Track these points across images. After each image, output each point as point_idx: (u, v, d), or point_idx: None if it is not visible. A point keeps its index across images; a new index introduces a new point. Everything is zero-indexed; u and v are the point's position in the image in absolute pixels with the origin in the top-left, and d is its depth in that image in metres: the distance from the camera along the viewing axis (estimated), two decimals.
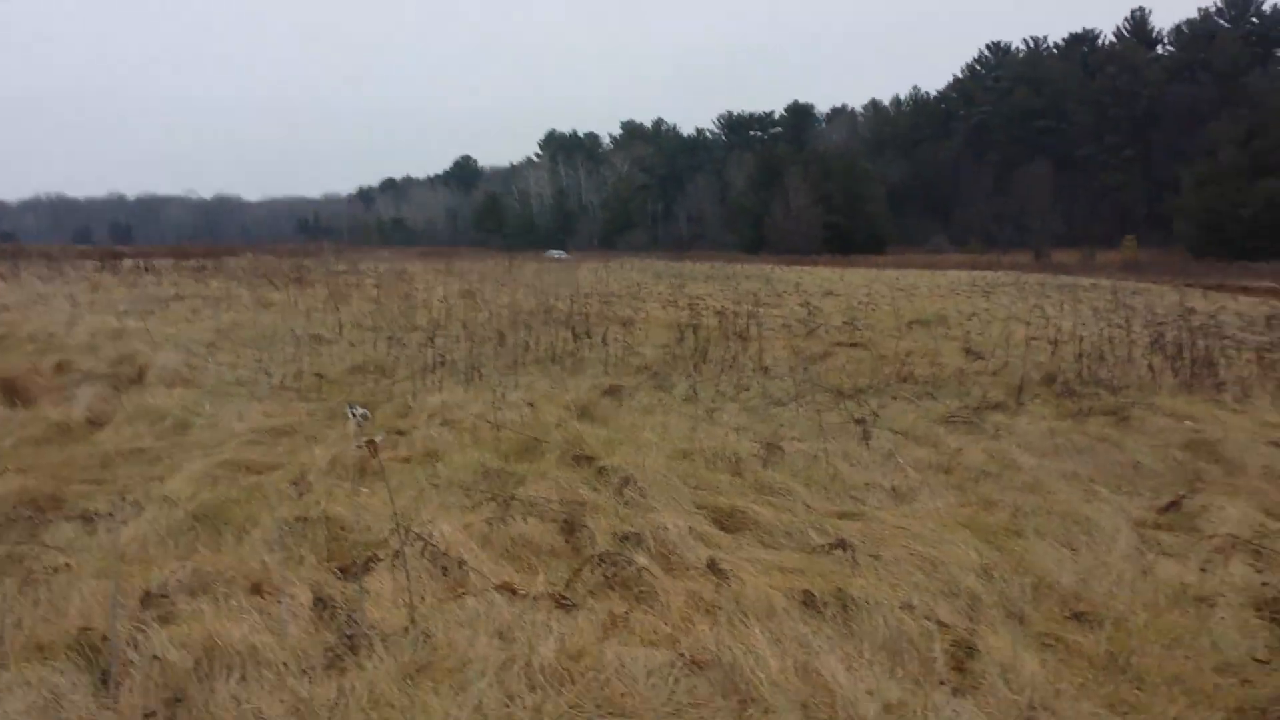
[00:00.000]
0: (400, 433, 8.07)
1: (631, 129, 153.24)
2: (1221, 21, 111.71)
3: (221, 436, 7.95)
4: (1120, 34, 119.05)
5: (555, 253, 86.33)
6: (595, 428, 8.43)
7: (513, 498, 6.03)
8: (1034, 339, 15.56)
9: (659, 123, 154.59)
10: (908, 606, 4.82)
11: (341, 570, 4.90)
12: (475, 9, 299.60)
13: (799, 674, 4.11)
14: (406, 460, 7.11)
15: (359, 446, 4.45)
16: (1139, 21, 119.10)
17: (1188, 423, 10.16)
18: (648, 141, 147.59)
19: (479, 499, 6.20)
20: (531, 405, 9.07)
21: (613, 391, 10.21)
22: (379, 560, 4.91)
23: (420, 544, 4.82)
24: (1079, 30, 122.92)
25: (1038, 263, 73.57)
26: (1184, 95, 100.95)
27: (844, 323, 19.35)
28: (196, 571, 4.71)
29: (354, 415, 4.55)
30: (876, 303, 26.34)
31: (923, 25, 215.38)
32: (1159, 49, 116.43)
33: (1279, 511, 7.16)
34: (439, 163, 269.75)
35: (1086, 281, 42.55)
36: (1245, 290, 42.41)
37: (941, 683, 4.22)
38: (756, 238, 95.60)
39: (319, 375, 10.66)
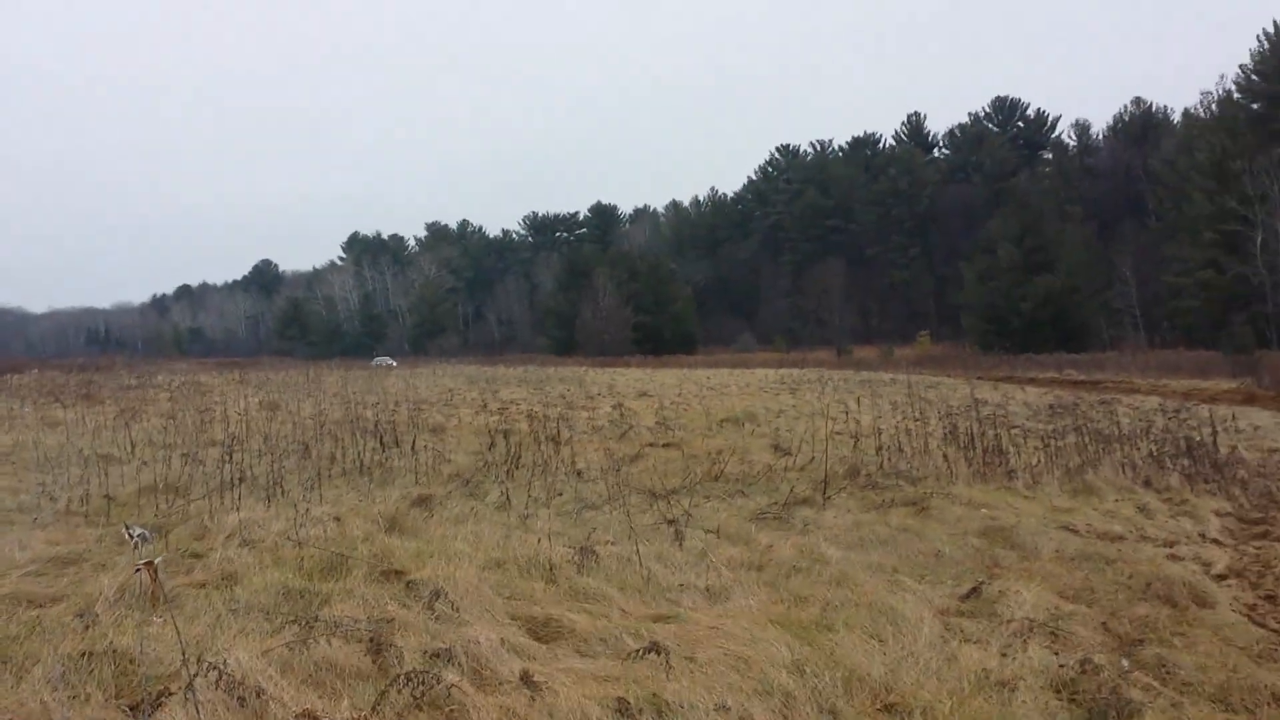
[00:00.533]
0: (196, 555, 7.64)
1: (437, 231, 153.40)
2: (990, 126, 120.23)
3: (2, 568, 7.36)
4: (899, 137, 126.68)
5: (382, 360, 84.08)
6: (405, 540, 8.19)
7: (316, 619, 5.76)
8: (838, 434, 16.03)
9: (465, 224, 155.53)
10: (722, 708, 4.81)
11: (130, 708, 4.56)
12: (268, 105, 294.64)
13: None
14: (202, 585, 6.71)
15: (136, 570, 4.17)
16: (915, 125, 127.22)
17: (983, 510, 10.62)
18: (454, 243, 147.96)
19: (280, 622, 5.90)
20: (338, 520, 8.76)
21: (423, 501, 9.97)
22: (171, 694, 4.58)
23: (214, 674, 4.53)
24: (861, 134, 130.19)
25: (839, 359, 76.55)
26: (960, 195, 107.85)
27: (656, 423, 19.53)
28: None
29: (132, 536, 4.25)
30: (688, 402, 26.75)
31: (716, 128, 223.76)
32: (935, 151, 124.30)
33: (1071, 594, 7.51)
34: (238, 268, 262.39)
35: (886, 376, 44.42)
36: (1031, 381, 45.08)
37: None
38: (568, 339, 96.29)
39: (108, 497, 10.03)
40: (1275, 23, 70.87)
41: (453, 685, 4.75)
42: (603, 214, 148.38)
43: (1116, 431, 15.36)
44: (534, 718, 4.60)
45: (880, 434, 14.21)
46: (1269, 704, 5.25)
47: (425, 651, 5.41)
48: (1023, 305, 75.03)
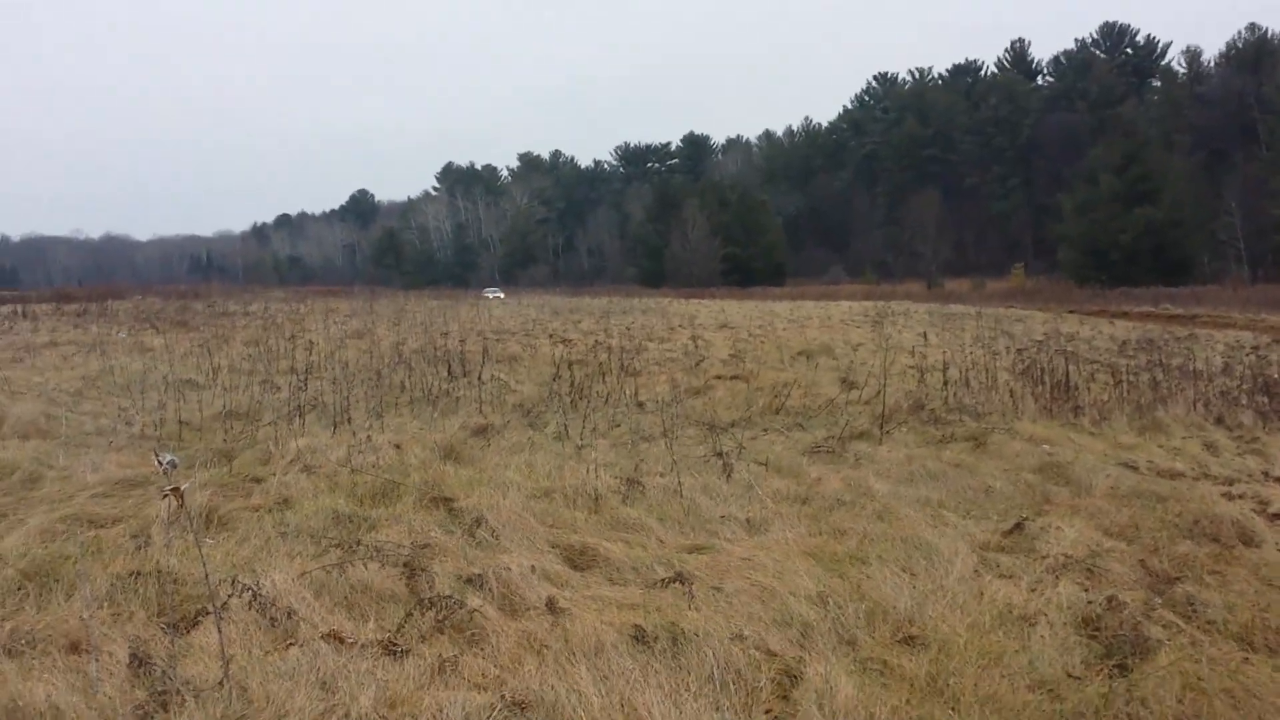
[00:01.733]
0: (257, 480, 7.97)
1: (529, 161, 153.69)
2: (1097, 52, 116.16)
3: (72, 490, 7.77)
4: (1002, 65, 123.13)
5: (491, 291, 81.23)
6: (459, 468, 8.43)
7: (359, 543, 6.01)
8: (910, 368, 15.93)
9: (556, 154, 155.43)
10: (739, 638, 4.92)
11: (170, 626, 4.83)
12: (365, 38, 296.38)
13: (622, 710, 4.16)
14: (258, 509, 7.02)
15: (164, 495, 4.40)
16: (1019, 53, 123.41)
17: (1044, 446, 10.51)
18: (546, 174, 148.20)
19: (325, 546, 6.16)
20: (397, 447, 9.04)
21: (482, 431, 10.22)
22: (208, 614, 4.84)
23: (249, 595, 4.78)
24: (962, 61, 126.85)
25: (930, 292, 75.37)
26: (1063, 124, 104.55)
27: (730, 355, 19.58)
28: (14, 632, 4.62)
29: (162, 463, 4.47)
30: (766, 335, 26.71)
31: (812, 55, 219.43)
32: (1039, 79, 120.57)
33: (1116, 530, 7.46)
34: (335, 198, 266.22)
35: (973, 310, 43.69)
36: (1124, 315, 44.01)
37: (767, 711, 4.33)
38: (657, 270, 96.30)
39: (183, 423, 10.47)
40: None
41: (475, 610, 4.94)
42: (695, 144, 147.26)
43: (1195, 368, 15.00)
44: (551, 642, 4.76)
45: (947, 368, 14.08)
46: None
47: (459, 576, 5.62)
48: (1121, 237, 72.88)
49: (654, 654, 4.67)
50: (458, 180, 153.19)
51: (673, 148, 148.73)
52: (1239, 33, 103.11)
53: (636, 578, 5.93)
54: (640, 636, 4.82)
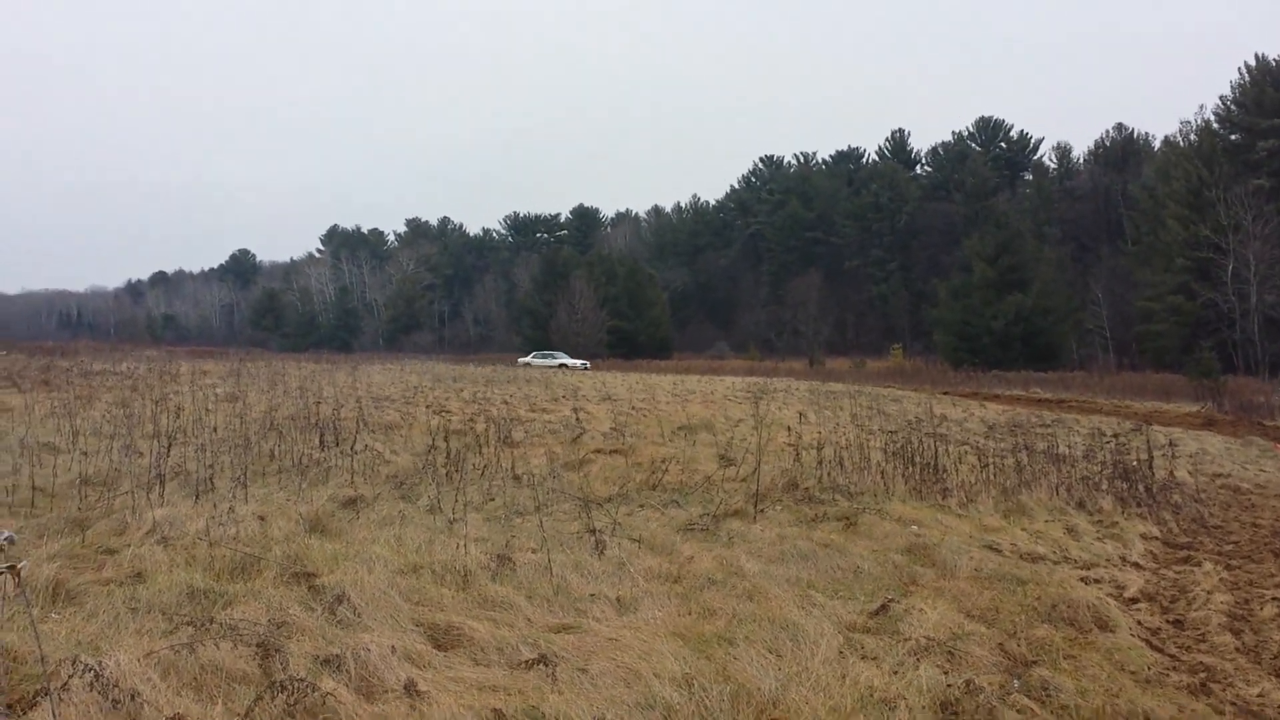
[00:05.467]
0: (111, 551, 7.63)
1: (417, 227, 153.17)
2: (973, 145, 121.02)
3: None
4: (882, 153, 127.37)
5: (543, 357, 73.38)
6: (325, 542, 8.22)
7: (212, 621, 5.79)
8: (788, 445, 16.12)
9: (445, 221, 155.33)
10: None
11: (6, 707, 4.57)
12: (255, 94, 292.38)
13: None
14: (109, 583, 6.72)
15: (1, 573, 4.19)
16: (899, 142, 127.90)
17: (913, 527, 10.70)
18: (433, 240, 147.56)
19: (177, 623, 5.92)
20: (261, 519, 8.77)
21: (352, 503, 10.01)
22: (48, 694, 4.60)
23: (90, 675, 4.55)
24: (845, 148, 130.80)
25: (811, 370, 76.65)
26: (941, 212, 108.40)
27: (611, 428, 19.57)
28: None
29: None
30: (649, 408, 26.79)
31: (702, 135, 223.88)
32: (918, 169, 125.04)
33: (977, 613, 7.61)
34: (215, 256, 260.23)
35: (852, 388, 44.55)
36: (996, 398, 45.33)
37: None
38: (543, 340, 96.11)
39: (37, 489, 10.02)
40: (1257, 56, 71.67)
41: (330, 693, 4.79)
42: (584, 216, 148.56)
43: (1059, 452, 15.49)
44: None
45: (823, 447, 14.29)
46: None
47: (316, 657, 5.44)
48: (994, 323, 75.44)
49: None
50: (343, 243, 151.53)
51: (562, 219, 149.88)
52: (1107, 131, 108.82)
53: (501, 658, 5.82)
54: None
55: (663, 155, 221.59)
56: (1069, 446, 16.86)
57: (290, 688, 4.69)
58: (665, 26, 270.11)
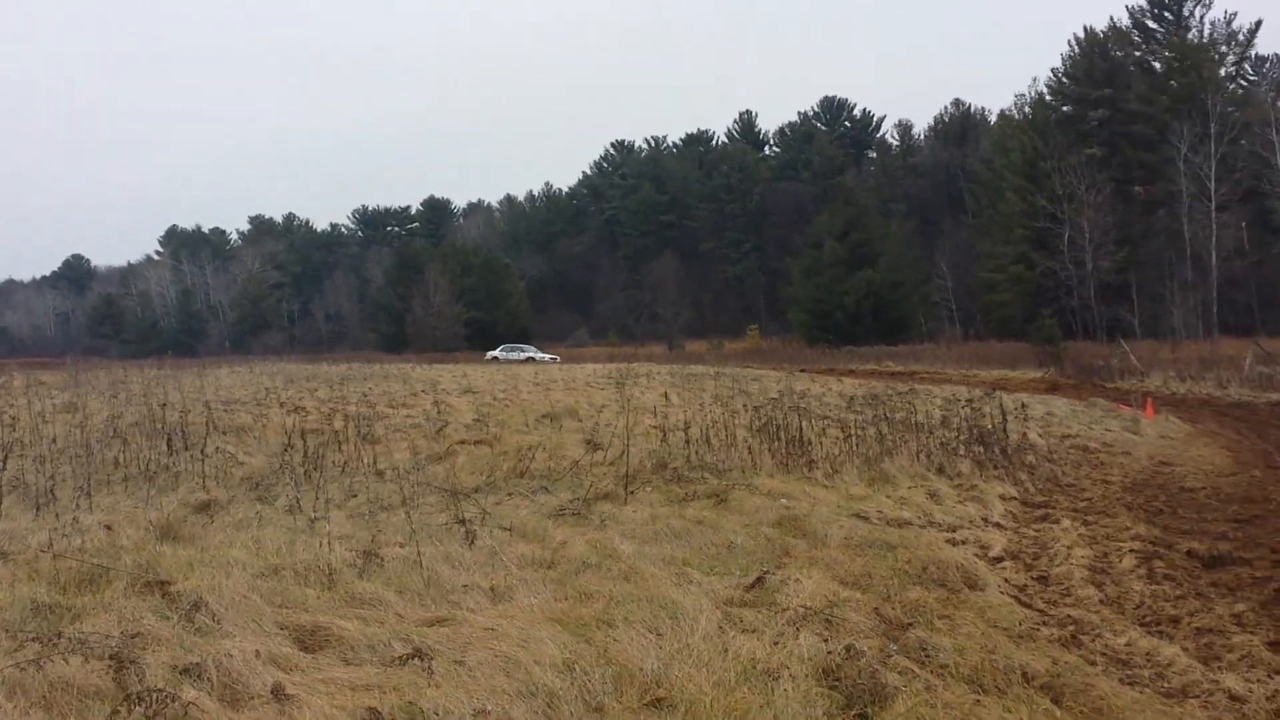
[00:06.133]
0: None
1: (261, 224, 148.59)
2: (819, 125, 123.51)
3: None
4: (731, 135, 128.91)
5: (510, 350, 73.36)
6: (178, 548, 7.81)
7: (60, 636, 5.40)
8: (654, 428, 16.10)
9: (290, 217, 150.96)
10: (481, 713, 4.70)
11: None
12: (85, 89, 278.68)
13: None
14: None
15: None
16: (747, 124, 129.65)
17: (782, 500, 10.79)
18: (279, 237, 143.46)
19: (22, 641, 5.51)
20: (108, 528, 8.31)
21: (205, 507, 9.57)
22: None
23: None
24: (695, 131, 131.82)
25: (671, 353, 77.32)
26: (791, 192, 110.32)
27: (474, 420, 19.27)
28: None
29: None
30: (512, 399, 26.54)
31: (552, 123, 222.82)
32: (766, 149, 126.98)
33: (851, 580, 7.68)
34: (46, 263, 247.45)
35: (713, 370, 44.97)
36: (850, 373, 46.46)
37: None
38: (399, 335, 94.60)
39: None
40: (1086, 28, 74.60)
41: (191, 703, 4.50)
42: (435, 208, 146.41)
43: (917, 421, 15.85)
44: None
45: (689, 427, 14.30)
46: (1019, 683, 5.44)
47: (175, 667, 5.12)
48: (845, 299, 77.17)
49: None
50: (183, 244, 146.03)
51: (413, 211, 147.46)
52: (945, 108, 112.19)
53: (373, 656, 5.59)
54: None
55: (514, 143, 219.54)
56: (926, 415, 17.25)
57: (148, 699, 4.40)
58: (510, 15, 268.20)
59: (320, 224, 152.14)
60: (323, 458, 12.26)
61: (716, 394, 25.98)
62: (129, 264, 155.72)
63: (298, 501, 9.82)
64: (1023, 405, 19.42)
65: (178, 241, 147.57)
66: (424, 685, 5.00)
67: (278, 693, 4.79)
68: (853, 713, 4.96)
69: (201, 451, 11.65)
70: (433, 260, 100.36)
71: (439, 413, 19.80)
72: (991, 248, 75.30)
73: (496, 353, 72.62)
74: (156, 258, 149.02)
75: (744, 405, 20.08)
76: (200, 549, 7.86)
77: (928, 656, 5.74)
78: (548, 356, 70.95)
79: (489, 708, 4.76)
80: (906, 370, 46.68)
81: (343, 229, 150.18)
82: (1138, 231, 67.25)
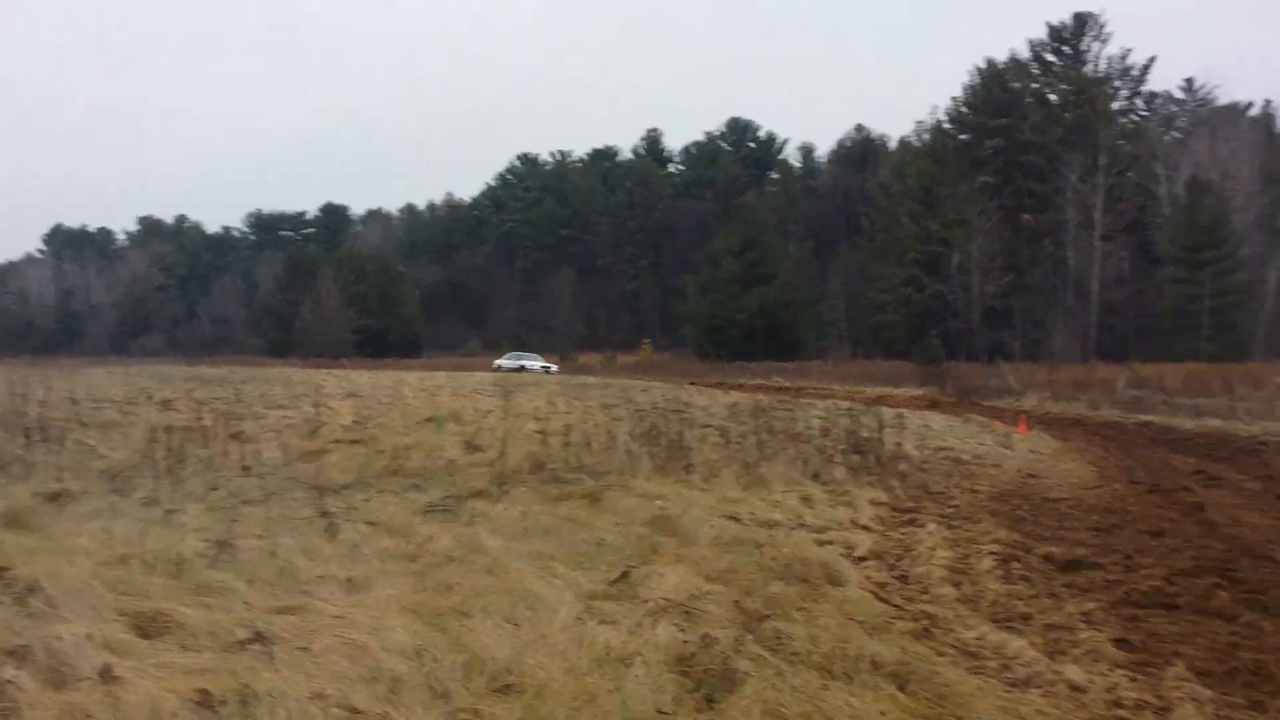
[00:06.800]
0: None
1: (150, 225, 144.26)
2: (724, 145, 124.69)
3: None
4: (637, 152, 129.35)
5: (514, 360, 68.52)
6: (22, 536, 7.49)
7: None
8: (537, 432, 16.04)
9: (181, 219, 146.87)
10: (319, 696, 4.56)
11: None
12: None
13: None
14: None
15: None
16: (653, 141, 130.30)
17: (657, 501, 10.79)
18: (169, 239, 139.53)
19: None
20: None
21: (57, 497, 9.20)
22: None
23: None
24: (601, 146, 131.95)
25: (563, 365, 77.07)
26: (693, 210, 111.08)
27: (353, 422, 18.97)
28: None
29: None
30: (396, 403, 26.19)
31: (457, 133, 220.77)
32: (671, 167, 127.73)
33: (715, 575, 7.69)
34: None
35: (603, 381, 45.03)
36: (738, 387, 46.85)
37: None
38: (286, 340, 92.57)
39: None
40: (986, 60, 76.73)
41: (9, 681, 4.30)
42: (333, 214, 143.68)
43: (796, 430, 16.05)
44: (100, 713, 4.21)
45: (571, 431, 14.27)
46: (868, 671, 5.50)
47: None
48: (739, 316, 77.94)
49: (220, 718, 4.24)
50: (67, 243, 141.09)
51: (309, 216, 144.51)
52: (847, 133, 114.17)
53: (213, 643, 5.40)
54: (206, 701, 4.36)
55: (418, 153, 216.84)
56: (806, 425, 17.49)
57: None
58: (415, 24, 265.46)
59: (212, 226, 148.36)
60: (187, 454, 11.93)
61: (603, 403, 26.03)
62: (9, 262, 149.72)
63: (155, 494, 9.51)
64: (900, 417, 19.81)
65: (61, 240, 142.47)
66: (262, 669, 4.84)
67: (105, 674, 4.60)
68: (701, 695, 4.95)
69: (61, 443, 11.23)
70: (326, 266, 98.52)
71: (317, 414, 19.41)
72: (883, 270, 76.79)
73: (502, 360, 68.91)
74: (39, 256, 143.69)
75: (628, 413, 20.15)
76: (47, 537, 7.56)
77: (781, 645, 5.78)
78: (539, 365, 66.62)
79: (328, 691, 4.63)
80: (794, 385, 47.29)
81: (235, 232, 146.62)
82: (1024, 258, 69.29)
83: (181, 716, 4.17)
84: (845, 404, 28.21)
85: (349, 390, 31.54)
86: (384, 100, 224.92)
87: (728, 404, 27.14)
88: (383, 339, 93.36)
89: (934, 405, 35.52)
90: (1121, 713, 5.47)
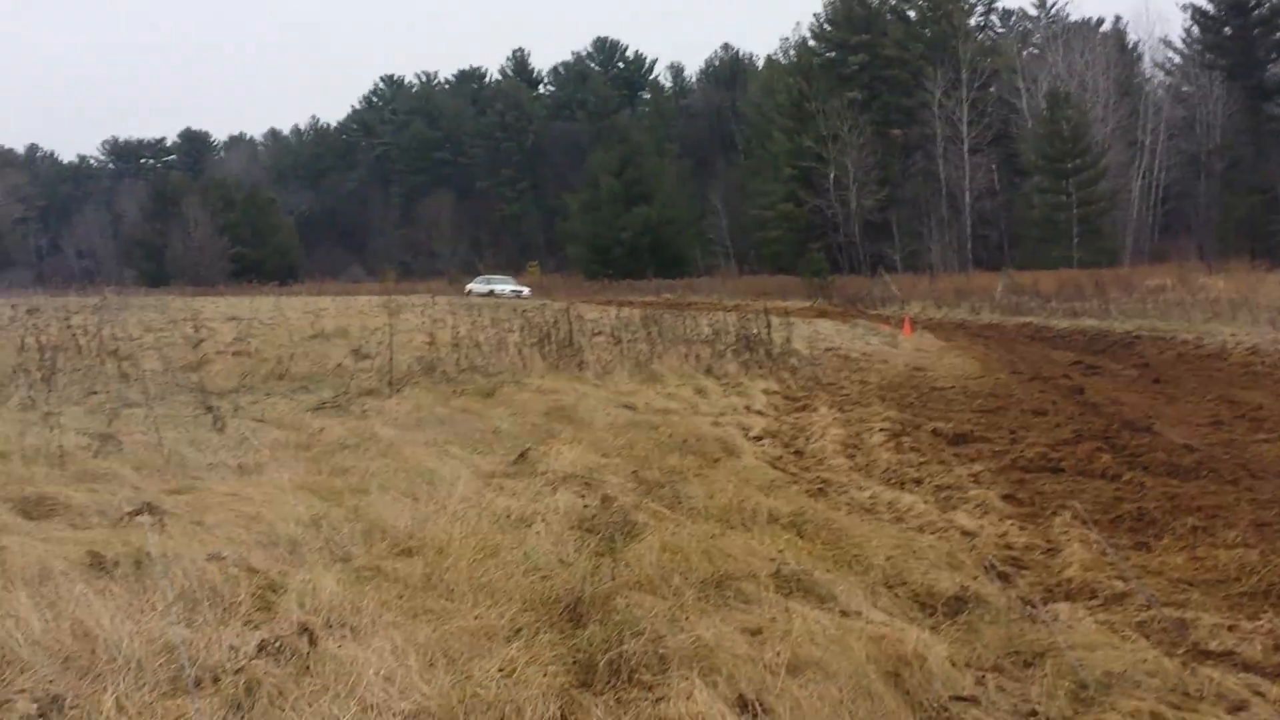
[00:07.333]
0: None
1: (0, 155, 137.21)
2: (593, 65, 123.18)
3: None
4: (505, 73, 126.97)
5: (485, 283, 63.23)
6: None
7: None
8: (428, 341, 15.84)
9: (34, 148, 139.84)
10: (216, 558, 4.50)
11: None
12: None
13: (72, 632, 3.63)
14: None
15: None
16: (521, 62, 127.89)
17: (552, 396, 10.81)
18: (21, 169, 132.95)
19: None
20: None
21: None
22: None
23: None
24: (467, 67, 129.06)
25: (450, 289, 76.18)
26: (566, 131, 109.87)
27: (235, 339, 18.52)
28: None
29: None
30: (280, 323, 25.62)
31: (317, 54, 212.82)
32: (541, 88, 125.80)
33: (613, 452, 7.77)
34: None
35: (493, 302, 44.63)
36: (629, 303, 46.95)
37: (246, 621, 3.96)
38: (159, 272, 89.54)
39: None
40: None
41: None
42: (194, 140, 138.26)
43: (687, 334, 16.17)
44: None
45: (461, 340, 14.13)
46: (765, 521, 5.63)
47: None
48: (623, 235, 77.82)
49: (114, 579, 4.15)
50: None
51: (169, 143, 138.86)
52: (715, 52, 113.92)
53: (102, 520, 5.28)
54: (99, 564, 4.27)
55: (276, 75, 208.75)
56: (696, 329, 17.63)
57: None
58: None
59: (67, 156, 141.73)
60: (64, 367, 11.50)
61: (494, 319, 25.81)
62: None
63: (31, 399, 9.18)
64: (789, 324, 20.10)
65: None
66: (155, 536, 4.74)
67: None
68: (601, 544, 5.01)
69: None
70: (192, 195, 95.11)
71: (197, 333, 18.85)
72: (762, 186, 77.14)
73: (472, 285, 64.35)
74: None
75: (520, 326, 20.04)
76: None
77: (679, 503, 5.90)
78: (509, 289, 61.28)
79: (225, 553, 4.57)
80: (683, 300, 47.54)
81: (92, 161, 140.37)
82: (897, 172, 70.34)
83: (73, 576, 4.06)
84: (735, 316, 28.47)
85: (229, 315, 30.78)
86: (238, 19, 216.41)
87: (619, 316, 27.16)
88: (259, 267, 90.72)
89: (822, 315, 36.13)
90: (1012, 553, 5.71)
